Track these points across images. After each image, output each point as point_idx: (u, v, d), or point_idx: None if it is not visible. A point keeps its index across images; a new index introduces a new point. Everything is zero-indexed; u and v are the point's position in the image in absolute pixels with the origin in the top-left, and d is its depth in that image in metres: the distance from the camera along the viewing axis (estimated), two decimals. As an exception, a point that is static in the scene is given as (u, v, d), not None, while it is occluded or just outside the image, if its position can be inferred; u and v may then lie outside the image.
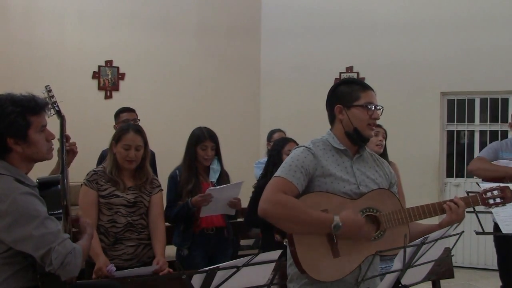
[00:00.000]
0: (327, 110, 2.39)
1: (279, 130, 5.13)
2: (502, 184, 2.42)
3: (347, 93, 2.30)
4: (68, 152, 2.65)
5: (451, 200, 2.31)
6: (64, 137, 2.61)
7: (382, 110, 2.32)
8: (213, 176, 3.69)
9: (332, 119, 2.37)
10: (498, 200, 2.36)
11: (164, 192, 3.57)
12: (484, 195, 2.36)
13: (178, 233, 3.67)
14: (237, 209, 3.67)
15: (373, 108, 2.27)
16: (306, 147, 2.27)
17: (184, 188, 3.58)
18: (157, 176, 4.41)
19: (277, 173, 2.23)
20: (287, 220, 2.14)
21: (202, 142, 3.63)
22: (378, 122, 2.37)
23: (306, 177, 2.20)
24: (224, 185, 3.60)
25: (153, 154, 4.67)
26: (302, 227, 2.13)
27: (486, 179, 3.67)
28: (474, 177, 4.04)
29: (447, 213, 2.28)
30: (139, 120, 4.62)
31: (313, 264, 2.12)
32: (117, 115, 4.63)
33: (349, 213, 2.15)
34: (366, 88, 2.32)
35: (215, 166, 3.70)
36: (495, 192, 2.36)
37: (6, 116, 2.04)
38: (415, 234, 2.25)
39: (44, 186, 2.26)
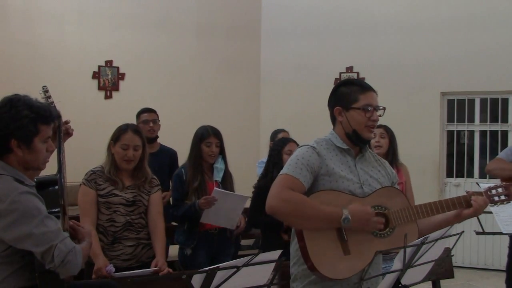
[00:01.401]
0: (329, 110, 2.40)
1: (283, 130, 5.14)
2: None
3: (346, 95, 2.30)
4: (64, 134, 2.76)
5: (468, 196, 2.33)
6: (61, 138, 2.63)
7: (384, 110, 2.31)
8: (217, 175, 3.68)
9: (333, 120, 2.38)
10: (502, 197, 2.39)
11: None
12: (489, 192, 2.38)
13: (181, 232, 3.67)
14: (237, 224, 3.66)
15: (371, 110, 2.27)
16: (311, 145, 2.27)
17: (190, 186, 3.58)
18: None
19: (283, 171, 2.23)
20: (296, 216, 2.14)
21: (206, 138, 3.65)
22: (379, 122, 2.37)
23: (312, 175, 2.21)
24: (230, 192, 3.60)
25: (175, 154, 4.70)
26: (311, 223, 2.13)
27: (504, 179, 3.67)
28: (491, 178, 4.04)
29: (473, 209, 2.29)
30: (159, 120, 4.64)
31: (324, 261, 2.12)
32: (138, 115, 4.67)
33: (357, 205, 2.16)
34: (366, 89, 2.30)
35: (219, 165, 3.71)
36: (500, 190, 2.39)
37: (19, 119, 2.07)
38: (431, 225, 2.28)
39: (42, 185, 2.27)
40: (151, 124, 4.56)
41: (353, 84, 2.34)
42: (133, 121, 4.49)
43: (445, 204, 2.30)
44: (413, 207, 2.27)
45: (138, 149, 3.20)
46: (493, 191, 2.39)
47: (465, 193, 2.43)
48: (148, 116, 4.62)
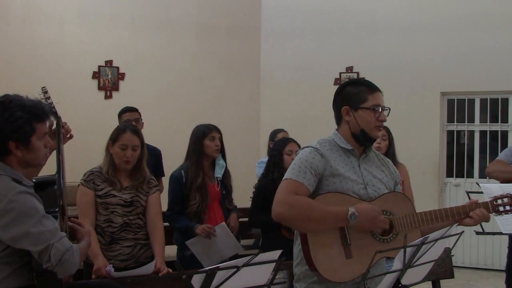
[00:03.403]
0: (333, 110, 2.39)
1: (282, 130, 5.13)
2: (511, 191, 2.45)
3: (354, 95, 2.30)
4: (64, 135, 2.74)
5: (470, 205, 2.35)
6: (60, 138, 2.62)
7: (389, 111, 2.33)
8: (219, 172, 3.68)
9: (338, 119, 2.37)
10: (508, 207, 2.40)
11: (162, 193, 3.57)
12: (495, 202, 2.40)
13: (180, 233, 3.67)
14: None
15: (380, 110, 2.28)
16: (313, 147, 2.26)
17: (193, 185, 3.56)
18: (164, 175, 4.44)
19: (287, 175, 2.22)
20: (303, 220, 2.13)
21: (209, 133, 3.65)
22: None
23: (316, 177, 2.20)
24: (233, 236, 3.57)
25: (159, 153, 4.67)
26: (319, 225, 2.12)
27: (504, 182, 3.67)
28: (491, 179, 4.04)
29: (474, 220, 2.32)
30: (142, 119, 4.60)
31: (326, 264, 2.12)
32: (120, 115, 4.61)
33: (364, 203, 2.17)
34: (374, 89, 2.31)
35: (221, 161, 3.71)
36: (505, 200, 2.40)
37: (14, 121, 2.05)
38: (431, 230, 2.27)
39: (40, 185, 2.26)
40: (134, 124, 4.47)
41: (360, 84, 2.35)
42: (133, 121, 4.47)
43: (450, 212, 2.32)
44: (417, 214, 2.28)
45: (137, 149, 3.20)
46: (499, 201, 2.39)
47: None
48: (130, 115, 4.53)
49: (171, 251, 3.82)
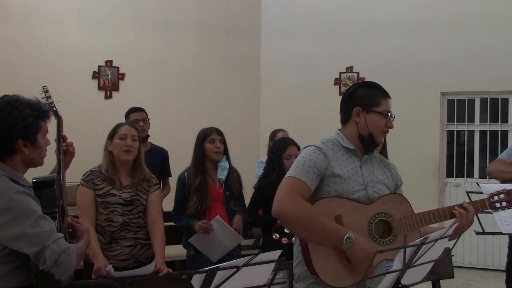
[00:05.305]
0: (342, 109, 2.39)
1: (282, 130, 5.13)
2: (507, 188, 2.45)
3: (368, 97, 2.31)
4: (65, 152, 2.63)
5: (460, 205, 2.34)
6: (60, 138, 2.61)
7: (394, 118, 2.35)
8: (221, 174, 3.71)
9: (346, 119, 2.36)
10: (504, 203, 2.41)
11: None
12: (491, 199, 2.40)
13: (185, 233, 3.71)
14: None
15: (390, 117, 2.31)
16: (317, 146, 2.26)
17: (192, 185, 3.61)
18: (171, 176, 4.46)
19: (290, 173, 2.21)
20: (300, 226, 2.13)
21: (209, 136, 3.68)
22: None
23: (318, 177, 2.20)
24: (229, 226, 3.61)
25: (166, 153, 4.67)
26: (313, 236, 2.12)
27: (504, 182, 3.67)
28: (491, 179, 4.04)
29: (457, 218, 2.30)
30: (149, 119, 4.59)
31: (326, 268, 2.11)
32: (127, 115, 4.54)
33: (366, 240, 2.15)
34: (387, 96, 2.35)
35: (222, 163, 3.72)
36: (502, 196, 2.41)
37: (24, 119, 2.07)
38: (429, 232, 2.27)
39: (40, 185, 2.26)
40: (141, 124, 4.37)
41: (374, 88, 2.36)
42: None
43: (448, 211, 2.32)
44: (415, 215, 2.28)
45: (136, 139, 3.22)
46: (495, 197, 2.40)
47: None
48: (137, 115, 4.48)
49: (172, 251, 3.83)
